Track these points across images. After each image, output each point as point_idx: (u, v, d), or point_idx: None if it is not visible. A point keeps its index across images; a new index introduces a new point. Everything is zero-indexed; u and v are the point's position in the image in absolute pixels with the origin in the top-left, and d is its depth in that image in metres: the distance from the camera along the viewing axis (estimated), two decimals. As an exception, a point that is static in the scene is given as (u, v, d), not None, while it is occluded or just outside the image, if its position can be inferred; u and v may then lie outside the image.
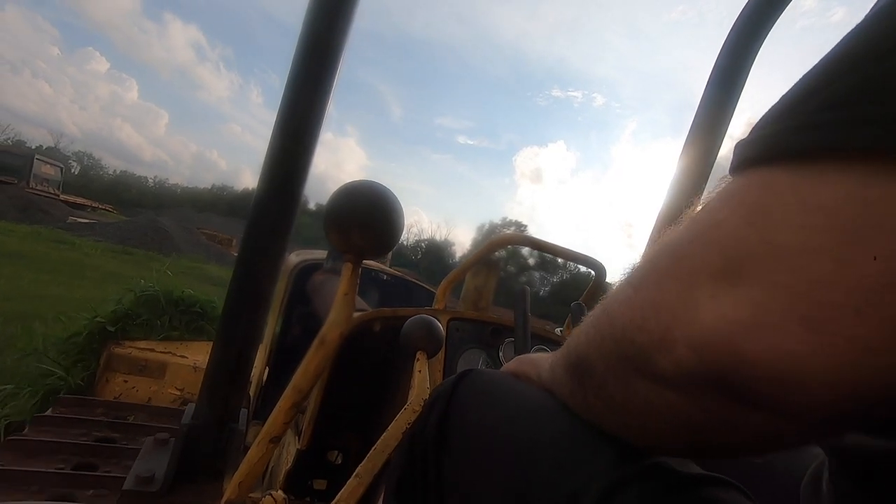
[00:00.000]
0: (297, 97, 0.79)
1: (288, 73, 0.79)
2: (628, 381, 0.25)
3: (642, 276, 0.25)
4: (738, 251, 0.20)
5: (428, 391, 0.41)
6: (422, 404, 0.40)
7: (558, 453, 0.31)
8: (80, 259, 6.94)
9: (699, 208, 0.24)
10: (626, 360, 0.24)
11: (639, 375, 0.24)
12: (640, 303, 0.24)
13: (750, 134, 0.23)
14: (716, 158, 1.07)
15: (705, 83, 1.06)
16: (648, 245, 1.12)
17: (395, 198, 0.37)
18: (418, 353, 0.47)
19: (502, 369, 0.50)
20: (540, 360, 0.43)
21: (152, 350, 2.06)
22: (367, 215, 0.35)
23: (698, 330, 0.20)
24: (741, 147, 0.23)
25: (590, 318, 0.30)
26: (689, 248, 0.22)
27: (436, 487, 0.39)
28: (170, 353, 2.07)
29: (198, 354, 2.09)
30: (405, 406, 0.40)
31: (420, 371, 0.45)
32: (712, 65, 1.05)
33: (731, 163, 0.24)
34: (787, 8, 0.96)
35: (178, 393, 1.93)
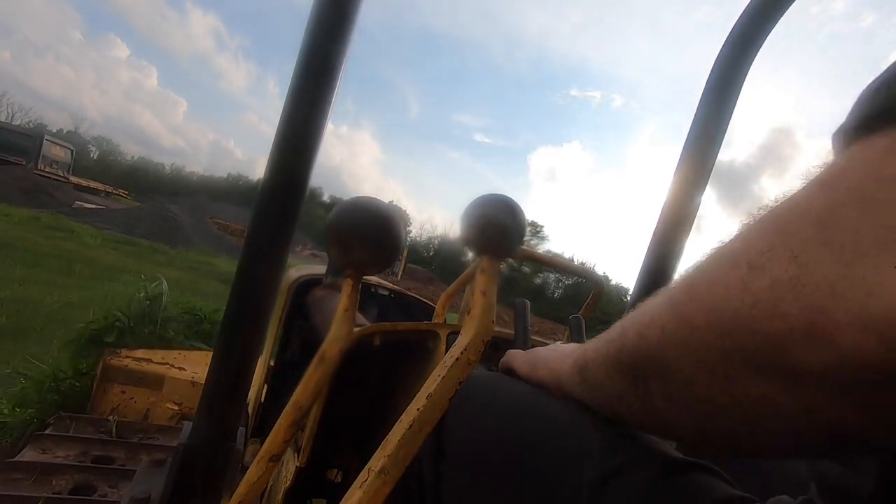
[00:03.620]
0: (302, 91, 0.78)
1: (294, 65, 0.79)
2: (737, 381, 0.21)
3: (759, 252, 0.20)
4: None
5: (493, 314, 0.34)
6: (484, 341, 0.32)
7: (552, 447, 0.32)
8: (74, 250, 6.09)
9: (825, 173, 0.20)
10: (737, 354, 0.20)
11: (759, 373, 0.20)
12: (765, 283, 0.19)
13: (867, 96, 0.21)
14: (715, 159, 1.08)
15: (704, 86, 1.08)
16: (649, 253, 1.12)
17: (397, 213, 0.37)
18: (485, 256, 0.35)
19: (512, 369, 0.49)
20: (555, 363, 0.39)
21: (149, 360, 2.02)
22: (368, 231, 0.36)
23: (882, 309, 0.16)
24: (872, 103, 0.20)
25: (660, 302, 0.25)
26: (846, 214, 0.18)
27: (433, 494, 0.39)
28: (167, 364, 2.03)
29: (196, 366, 2.06)
30: (461, 348, 0.33)
31: (485, 292, 0.34)
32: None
33: (850, 128, 0.21)
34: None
35: (177, 408, 1.90)
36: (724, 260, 0.22)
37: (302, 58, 0.78)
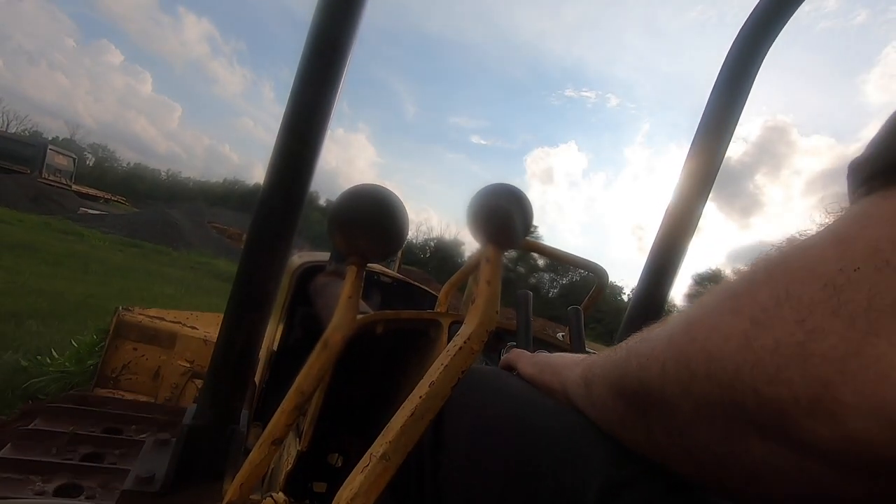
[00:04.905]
0: (305, 95, 0.78)
1: (296, 69, 0.79)
2: (737, 437, 0.19)
3: (764, 307, 0.19)
4: None
5: (498, 304, 0.33)
6: (488, 331, 0.31)
7: (558, 449, 0.31)
8: (86, 251, 6.89)
9: (840, 226, 0.19)
10: (738, 411, 0.19)
11: (759, 432, 0.18)
12: (768, 344, 0.18)
13: (890, 136, 0.19)
14: (721, 162, 1.07)
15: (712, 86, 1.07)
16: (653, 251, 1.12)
17: (400, 201, 0.37)
18: (490, 245, 0.33)
19: (515, 368, 0.49)
20: (563, 369, 0.38)
21: (162, 319, 2.02)
22: (371, 219, 0.36)
23: (894, 398, 0.15)
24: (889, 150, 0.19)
25: (661, 336, 0.24)
26: (859, 278, 0.16)
27: (432, 486, 0.39)
28: (180, 322, 2.03)
29: (208, 326, 2.05)
30: (470, 328, 0.31)
31: (490, 281, 0.32)
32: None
33: (869, 171, 0.20)
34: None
35: (188, 365, 1.89)
36: (726, 305, 0.20)
37: (305, 59, 0.78)
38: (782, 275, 0.19)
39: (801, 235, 0.21)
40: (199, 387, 1.76)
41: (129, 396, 1.84)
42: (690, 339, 0.21)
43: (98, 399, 1.49)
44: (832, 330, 0.16)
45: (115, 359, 1.89)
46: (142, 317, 1.98)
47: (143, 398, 1.86)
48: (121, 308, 2.00)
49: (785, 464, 0.18)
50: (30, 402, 1.80)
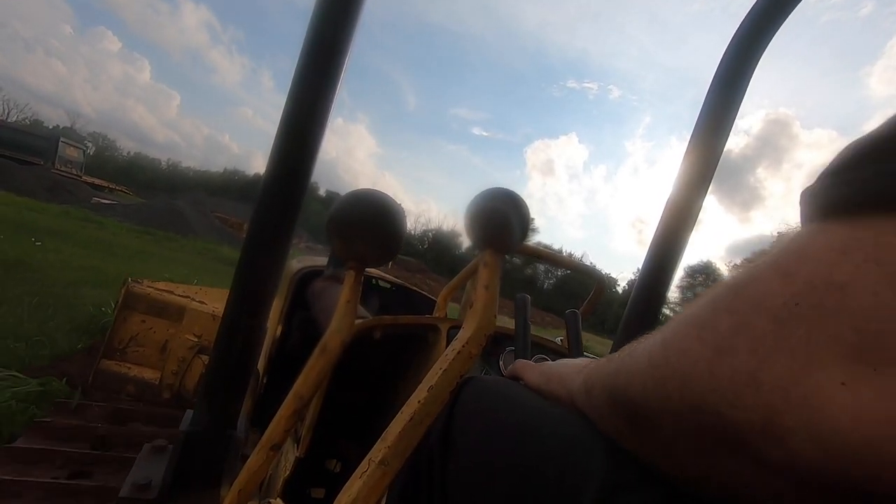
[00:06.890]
0: (305, 86, 0.78)
1: (297, 59, 0.79)
2: (711, 453, 0.21)
3: (724, 336, 0.20)
4: (881, 325, 0.16)
5: (496, 308, 0.33)
6: (486, 335, 0.32)
7: (561, 453, 0.31)
8: (108, 237, 7.50)
9: (784, 259, 0.20)
10: (707, 430, 0.20)
11: (728, 451, 0.20)
12: (727, 371, 0.19)
13: (837, 172, 0.20)
14: (721, 155, 1.08)
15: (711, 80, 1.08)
16: (651, 249, 1.12)
17: (398, 206, 0.37)
18: (488, 250, 0.35)
19: (522, 378, 0.50)
20: (569, 378, 0.39)
21: (171, 292, 2.01)
22: (370, 224, 0.36)
23: (828, 425, 0.16)
24: (838, 186, 0.20)
25: (643, 354, 0.26)
26: (799, 313, 0.18)
27: (440, 494, 0.39)
28: (188, 297, 2.02)
29: (216, 301, 2.03)
30: (466, 337, 0.32)
31: (488, 286, 0.34)
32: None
33: (814, 205, 0.21)
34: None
35: (195, 339, 1.87)
36: (693, 333, 0.22)
37: (305, 51, 0.78)
38: (739, 305, 0.21)
39: (751, 261, 0.22)
40: (206, 362, 1.75)
41: (135, 370, 1.84)
42: (665, 362, 0.23)
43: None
44: (778, 361, 0.18)
45: (123, 330, 1.87)
46: (150, 289, 1.95)
47: (149, 372, 1.85)
48: (130, 280, 1.97)
49: (754, 480, 0.20)
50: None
